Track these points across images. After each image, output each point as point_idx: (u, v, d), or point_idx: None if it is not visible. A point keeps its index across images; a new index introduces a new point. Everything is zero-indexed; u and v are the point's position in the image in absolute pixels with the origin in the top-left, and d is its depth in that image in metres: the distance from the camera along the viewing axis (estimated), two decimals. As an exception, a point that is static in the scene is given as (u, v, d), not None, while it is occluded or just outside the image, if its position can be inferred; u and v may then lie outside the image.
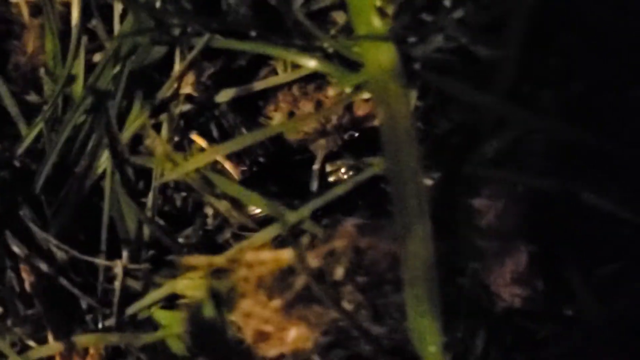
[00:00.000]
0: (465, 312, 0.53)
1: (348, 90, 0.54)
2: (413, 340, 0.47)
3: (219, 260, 0.46)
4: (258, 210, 0.56)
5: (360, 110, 0.60)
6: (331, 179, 0.58)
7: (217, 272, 0.47)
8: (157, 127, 0.60)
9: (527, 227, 0.52)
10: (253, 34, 0.55)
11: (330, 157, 0.60)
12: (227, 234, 0.59)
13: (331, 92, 0.58)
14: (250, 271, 0.44)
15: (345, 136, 0.60)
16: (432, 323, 0.46)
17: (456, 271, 0.53)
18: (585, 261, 0.54)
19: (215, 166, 0.59)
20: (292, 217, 0.51)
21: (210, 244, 0.59)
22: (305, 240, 0.46)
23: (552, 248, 0.53)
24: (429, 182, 0.53)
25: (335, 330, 0.49)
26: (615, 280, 0.53)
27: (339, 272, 0.47)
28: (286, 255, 0.44)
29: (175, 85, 0.57)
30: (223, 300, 0.45)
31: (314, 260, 0.45)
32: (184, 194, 0.63)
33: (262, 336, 0.47)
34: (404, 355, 0.53)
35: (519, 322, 0.54)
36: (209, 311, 0.45)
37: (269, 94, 0.61)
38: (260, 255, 0.44)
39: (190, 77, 0.59)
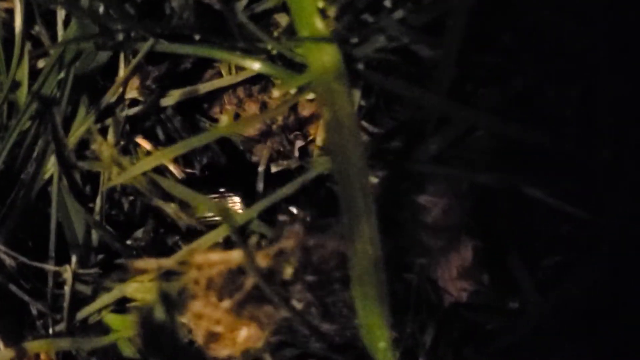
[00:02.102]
0: (413, 307, 0.53)
1: (292, 91, 0.54)
2: (362, 336, 0.47)
3: (168, 262, 0.46)
4: (206, 213, 0.56)
5: (305, 111, 0.60)
6: (278, 179, 0.58)
7: (167, 275, 0.48)
8: (103, 132, 0.60)
9: (472, 222, 0.53)
10: (197, 37, 0.55)
11: (276, 158, 0.60)
12: (176, 237, 0.59)
13: (276, 93, 0.58)
14: (200, 273, 0.44)
15: (291, 136, 0.61)
16: (380, 319, 0.47)
17: (403, 267, 0.53)
18: (529, 254, 0.55)
19: (162, 169, 0.59)
20: (239, 218, 0.51)
21: (159, 247, 0.59)
22: (253, 240, 0.46)
23: (497, 242, 0.54)
24: (374, 180, 0.53)
25: (286, 329, 0.49)
26: (558, 272, 0.54)
27: (288, 272, 0.48)
28: (235, 255, 0.44)
29: (121, 89, 0.57)
30: (173, 302, 0.45)
31: (263, 260, 0.45)
32: (131, 197, 0.63)
33: (213, 337, 0.47)
34: (354, 352, 0.53)
35: (467, 315, 0.55)
36: (159, 314, 0.45)
37: (214, 96, 0.62)
38: (210, 257, 0.44)
39: (135, 82, 0.60)
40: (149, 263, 0.44)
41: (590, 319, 0.52)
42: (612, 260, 0.53)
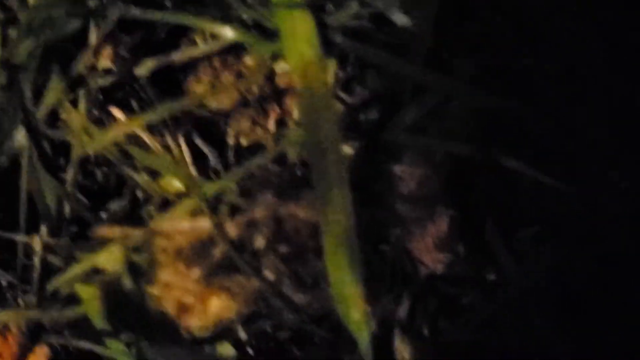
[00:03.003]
0: (388, 278, 0.53)
1: (266, 59, 0.54)
2: (337, 307, 0.47)
3: (137, 232, 0.45)
4: (179, 184, 0.55)
5: (282, 82, 0.59)
6: (252, 152, 0.58)
7: (139, 246, 0.47)
8: (76, 103, 0.59)
9: (447, 193, 0.53)
10: (169, 4, 0.54)
11: (252, 130, 0.60)
12: (150, 209, 0.58)
13: (249, 60, 0.57)
14: (169, 242, 0.44)
15: (267, 108, 0.60)
16: (355, 290, 0.47)
17: (378, 238, 0.53)
18: (506, 225, 0.54)
19: (136, 140, 0.59)
20: (210, 188, 0.51)
21: (133, 219, 0.58)
22: (224, 209, 0.46)
23: (473, 213, 0.54)
24: (349, 150, 0.53)
25: (258, 300, 0.49)
26: (535, 243, 0.54)
27: (260, 242, 0.47)
28: (204, 224, 0.43)
29: (92, 58, 0.56)
30: (141, 271, 0.45)
31: (233, 230, 0.45)
32: (105, 169, 0.62)
33: (184, 308, 0.47)
34: (328, 323, 0.53)
35: (443, 287, 0.54)
36: (127, 283, 0.44)
37: (189, 67, 0.61)
38: (178, 225, 0.43)
39: (108, 51, 0.59)
40: (115, 231, 0.44)
41: (567, 290, 0.52)
42: (589, 231, 0.52)
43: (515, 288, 0.52)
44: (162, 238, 0.44)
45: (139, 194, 0.60)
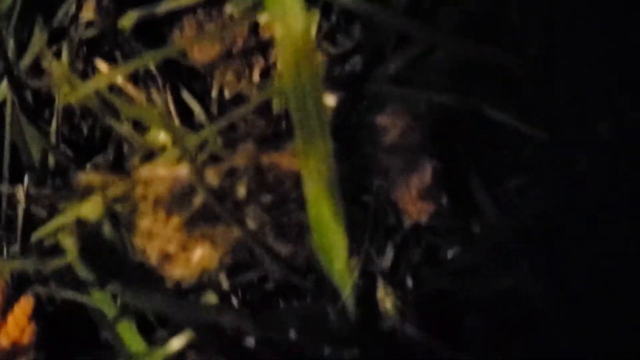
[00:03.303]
0: (371, 229, 0.53)
1: (250, 10, 0.53)
2: (319, 258, 0.47)
3: (118, 179, 0.45)
4: (164, 137, 0.55)
5: (266, 33, 0.59)
6: (235, 102, 0.58)
7: (120, 195, 0.47)
8: (60, 55, 0.59)
9: (431, 143, 0.53)
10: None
11: (236, 82, 0.60)
12: (135, 162, 0.58)
13: (234, 13, 0.57)
14: (149, 189, 0.43)
15: (252, 60, 0.60)
16: (337, 240, 0.47)
17: (361, 189, 0.53)
18: (489, 176, 0.54)
19: (120, 94, 0.59)
20: (193, 139, 0.50)
21: (117, 172, 0.58)
22: (205, 158, 0.46)
23: (457, 164, 0.54)
24: (331, 101, 0.53)
25: (241, 251, 0.49)
26: (519, 194, 0.54)
27: (242, 191, 0.47)
28: (183, 171, 0.43)
29: (74, 9, 0.56)
30: (121, 219, 0.45)
31: (213, 178, 0.45)
32: (90, 122, 0.62)
33: (166, 257, 0.47)
34: (310, 273, 0.53)
35: (427, 237, 0.54)
36: (108, 231, 0.44)
37: (173, 19, 0.60)
38: (157, 172, 0.43)
39: (91, 2, 0.58)
40: (96, 178, 0.43)
41: (550, 239, 0.52)
42: (573, 181, 0.52)
43: (498, 237, 0.52)
44: (142, 186, 0.44)
45: (125, 148, 0.60)
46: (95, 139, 0.62)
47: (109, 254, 0.45)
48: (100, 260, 0.45)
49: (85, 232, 0.44)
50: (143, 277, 0.47)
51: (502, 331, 0.53)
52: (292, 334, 0.45)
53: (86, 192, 0.49)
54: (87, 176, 0.44)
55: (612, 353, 0.49)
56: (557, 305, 0.51)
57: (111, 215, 0.46)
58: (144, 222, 0.44)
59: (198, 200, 0.44)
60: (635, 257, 0.51)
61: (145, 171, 0.43)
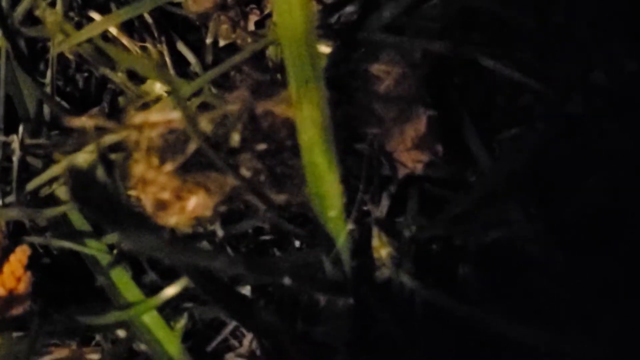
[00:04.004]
0: (365, 177, 0.53)
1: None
2: (313, 206, 0.47)
3: (111, 123, 0.45)
4: (159, 89, 0.55)
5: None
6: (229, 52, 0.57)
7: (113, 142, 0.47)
8: (54, 5, 0.59)
9: (425, 92, 0.53)
10: None
11: (231, 32, 0.59)
12: (130, 110, 0.58)
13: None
14: (142, 135, 0.43)
15: (247, 10, 0.59)
16: (331, 188, 0.46)
17: (355, 137, 0.53)
18: (483, 125, 0.54)
19: (114, 44, 0.58)
20: (187, 88, 0.50)
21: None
22: (196, 103, 0.46)
23: (452, 113, 0.54)
24: (326, 49, 0.53)
25: (236, 199, 0.49)
26: (514, 144, 0.54)
27: (235, 139, 0.47)
28: (175, 116, 0.43)
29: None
30: (114, 164, 0.45)
31: (206, 125, 0.45)
32: (86, 74, 0.62)
33: (161, 205, 0.47)
34: (305, 222, 0.53)
35: (422, 187, 0.54)
36: (100, 175, 0.44)
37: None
38: (149, 117, 0.43)
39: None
40: (89, 121, 0.43)
41: (544, 188, 0.52)
42: (568, 130, 0.52)
43: (492, 185, 0.52)
44: (136, 132, 0.44)
45: (120, 101, 0.60)
46: (90, 92, 0.62)
47: (102, 200, 0.44)
48: (94, 207, 0.45)
49: (79, 179, 0.44)
50: (137, 223, 0.47)
51: (497, 279, 0.53)
52: (286, 280, 0.45)
53: (81, 142, 0.49)
54: (80, 120, 0.44)
55: (606, 299, 0.50)
56: (551, 252, 0.51)
57: (105, 162, 0.46)
58: (138, 169, 0.44)
59: (191, 147, 0.44)
60: (630, 203, 0.51)
61: (138, 117, 0.43)
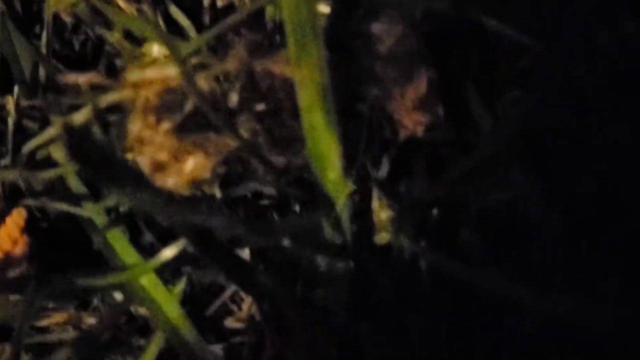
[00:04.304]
0: (366, 139, 0.52)
1: None
2: (313, 168, 0.46)
3: (105, 79, 0.44)
4: (155, 49, 0.55)
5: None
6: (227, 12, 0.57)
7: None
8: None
9: (427, 52, 0.52)
10: None
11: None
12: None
13: None
14: (136, 92, 0.43)
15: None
16: (330, 149, 0.46)
17: (355, 98, 0.52)
18: (485, 87, 0.54)
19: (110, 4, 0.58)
20: (185, 48, 0.50)
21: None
22: (194, 61, 0.45)
23: (453, 73, 0.53)
24: (325, 8, 0.52)
25: (234, 161, 0.49)
26: (515, 105, 0.53)
27: (234, 99, 0.46)
28: (172, 72, 0.42)
29: None
30: (112, 124, 0.44)
31: (203, 83, 0.44)
32: (83, 37, 0.61)
33: (159, 166, 0.46)
34: (304, 184, 0.53)
35: (423, 148, 0.54)
36: (97, 134, 0.44)
37: None
38: (145, 74, 0.42)
39: None
40: (83, 78, 0.43)
41: (546, 150, 0.52)
42: (569, 92, 0.52)
43: (494, 147, 0.51)
44: (132, 89, 0.43)
45: (117, 63, 0.59)
46: (87, 55, 0.62)
47: (99, 159, 0.44)
48: (90, 165, 0.44)
49: (75, 137, 0.43)
50: (134, 183, 0.46)
51: (498, 242, 0.52)
52: (285, 242, 0.44)
53: (76, 101, 0.48)
54: (75, 76, 0.43)
55: (606, 262, 0.49)
56: (552, 215, 0.50)
57: (101, 122, 0.45)
58: (134, 128, 0.43)
59: (189, 105, 0.43)
60: (632, 165, 0.50)
61: (134, 74, 0.42)
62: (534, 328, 0.49)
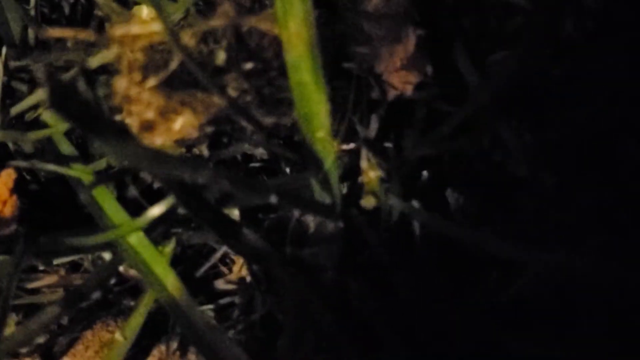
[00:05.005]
0: (354, 97, 0.52)
1: None
2: (301, 126, 0.46)
3: (89, 34, 0.44)
4: (145, 12, 0.54)
5: None
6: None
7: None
8: None
9: (415, 11, 0.52)
10: None
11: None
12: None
13: None
14: (122, 48, 0.42)
15: None
16: (318, 108, 0.46)
17: (343, 57, 0.52)
18: (475, 47, 0.53)
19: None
20: (172, 8, 0.49)
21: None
22: (178, 17, 0.45)
23: (441, 33, 0.53)
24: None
25: (223, 120, 0.48)
26: (503, 62, 0.53)
27: (221, 57, 0.46)
28: (156, 28, 0.42)
29: None
30: (99, 82, 0.44)
31: (189, 39, 0.44)
32: (72, 0, 0.61)
33: (147, 125, 0.46)
34: (292, 143, 0.52)
35: (411, 108, 0.54)
36: (81, 87, 0.43)
37: None
38: (130, 30, 0.42)
39: None
40: (65, 32, 0.42)
41: (535, 109, 0.52)
42: (559, 51, 0.51)
43: (481, 103, 0.51)
44: (117, 45, 0.43)
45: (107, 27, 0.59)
46: (77, 19, 0.61)
47: (84, 113, 0.43)
48: (75, 118, 0.44)
49: (61, 90, 0.43)
50: (120, 137, 0.46)
51: (486, 199, 0.52)
52: (273, 199, 0.44)
53: (63, 55, 0.48)
54: (61, 30, 0.43)
55: (593, 218, 0.49)
56: (539, 172, 0.50)
57: (88, 79, 0.45)
58: (121, 85, 0.43)
59: (174, 62, 0.43)
60: (619, 124, 0.50)
61: (119, 30, 0.42)
62: (523, 285, 0.49)
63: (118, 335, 0.51)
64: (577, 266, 0.44)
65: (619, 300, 0.46)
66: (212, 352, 0.47)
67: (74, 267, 0.57)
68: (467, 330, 0.49)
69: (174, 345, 0.55)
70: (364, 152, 0.52)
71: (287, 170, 0.57)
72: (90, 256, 0.55)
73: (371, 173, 0.52)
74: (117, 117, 0.47)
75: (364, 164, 0.52)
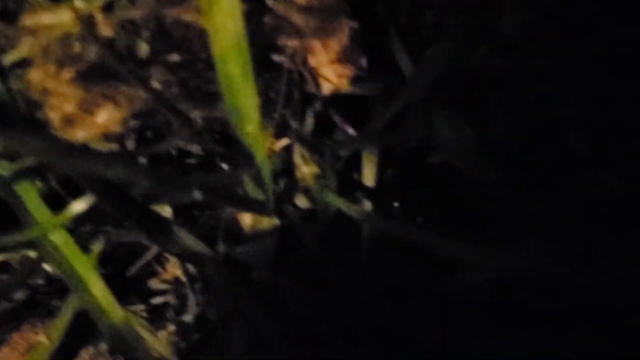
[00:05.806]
0: (287, 92, 0.51)
1: None
2: (231, 120, 0.45)
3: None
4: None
5: None
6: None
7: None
8: None
9: (346, 2, 0.51)
10: None
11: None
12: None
13: None
14: (34, 38, 0.41)
15: None
16: (247, 101, 0.44)
17: (273, 49, 0.51)
18: (412, 41, 0.52)
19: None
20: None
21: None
22: (95, 5, 0.43)
23: (375, 24, 0.52)
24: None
25: (147, 113, 0.47)
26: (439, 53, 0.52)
27: (144, 48, 0.45)
28: (65, 16, 0.40)
29: None
30: (11, 73, 0.42)
31: (107, 29, 0.42)
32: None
33: (68, 120, 0.45)
34: (222, 136, 0.51)
35: (346, 102, 0.53)
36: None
37: None
38: (43, 19, 0.41)
39: None
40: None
41: (475, 103, 0.51)
42: (498, 46, 0.51)
43: (417, 93, 0.50)
44: (29, 36, 0.41)
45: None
46: None
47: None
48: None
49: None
50: (35, 131, 0.45)
51: (424, 195, 0.51)
52: (196, 194, 0.43)
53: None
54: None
55: (535, 215, 0.48)
56: (480, 167, 0.50)
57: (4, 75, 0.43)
58: (35, 77, 0.42)
59: (91, 53, 0.42)
60: (559, 117, 0.49)
61: (30, 19, 0.40)
62: (470, 285, 0.49)
63: (42, 337, 0.49)
64: (517, 266, 0.43)
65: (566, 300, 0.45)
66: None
67: (3, 266, 0.55)
68: (405, 326, 0.48)
69: (104, 346, 0.54)
70: (297, 148, 0.51)
71: (224, 166, 0.56)
72: (17, 255, 0.53)
73: (305, 169, 0.51)
74: (39, 111, 0.45)
75: (297, 159, 0.51)
